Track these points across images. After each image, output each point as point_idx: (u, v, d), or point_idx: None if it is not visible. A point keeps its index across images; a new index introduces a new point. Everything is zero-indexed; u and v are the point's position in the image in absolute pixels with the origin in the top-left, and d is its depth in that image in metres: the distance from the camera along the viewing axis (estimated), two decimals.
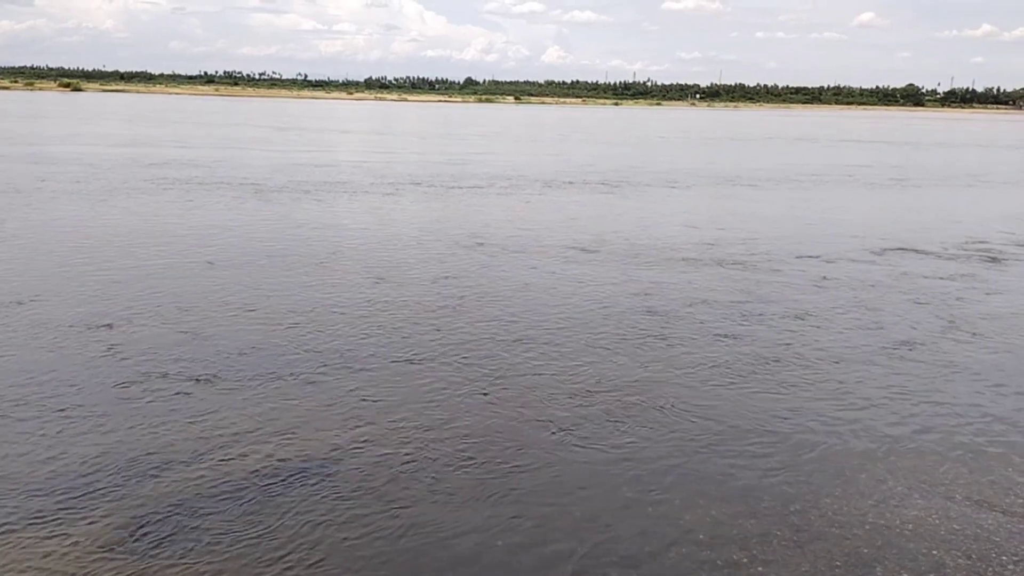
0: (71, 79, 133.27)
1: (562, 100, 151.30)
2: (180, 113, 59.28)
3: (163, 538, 3.90)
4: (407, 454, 4.84)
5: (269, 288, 8.63)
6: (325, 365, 6.32)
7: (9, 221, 12.43)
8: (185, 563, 3.73)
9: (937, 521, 4.29)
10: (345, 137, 38.93)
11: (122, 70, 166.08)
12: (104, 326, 7.11)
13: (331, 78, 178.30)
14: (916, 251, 12.00)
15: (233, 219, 13.25)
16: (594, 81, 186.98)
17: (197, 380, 5.92)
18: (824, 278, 9.95)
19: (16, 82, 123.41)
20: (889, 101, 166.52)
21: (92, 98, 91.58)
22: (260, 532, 3.99)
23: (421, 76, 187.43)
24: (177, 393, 5.69)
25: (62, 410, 5.35)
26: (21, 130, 35.28)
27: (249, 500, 4.27)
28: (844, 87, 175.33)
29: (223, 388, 5.80)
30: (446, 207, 15.58)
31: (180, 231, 12.02)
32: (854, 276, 10.14)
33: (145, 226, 12.40)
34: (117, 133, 35.10)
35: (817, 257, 11.31)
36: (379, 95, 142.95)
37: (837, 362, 6.80)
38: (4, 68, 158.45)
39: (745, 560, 3.88)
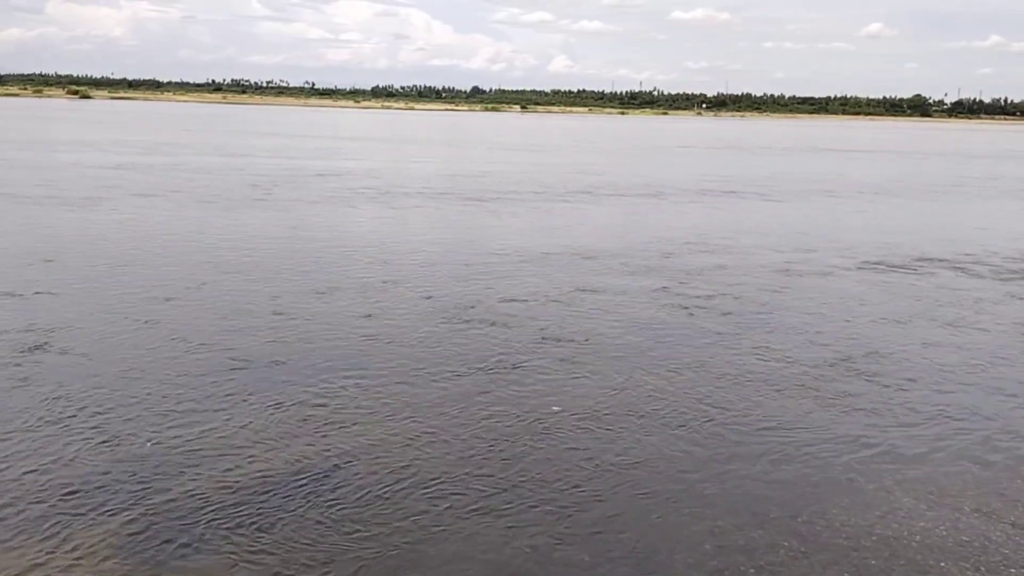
0: (79, 86, 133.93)
1: (568, 109, 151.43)
2: (214, 121, 59.97)
3: (165, 544, 3.88)
4: (413, 461, 4.82)
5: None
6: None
7: (319, 228, 13.34)
8: (187, 568, 3.71)
9: (945, 532, 4.26)
10: (426, 148, 38.83)
11: (130, 78, 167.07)
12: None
13: (338, 86, 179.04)
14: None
15: (485, 224, 14.58)
16: (600, 90, 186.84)
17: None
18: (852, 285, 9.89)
19: (25, 88, 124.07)
20: (896, 111, 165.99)
21: (106, 105, 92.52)
22: (264, 539, 3.97)
23: (428, 85, 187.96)
24: (197, 394, 5.67)
25: (70, 412, 5.32)
26: (97, 137, 35.41)
27: (253, 505, 4.25)
28: (851, 97, 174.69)
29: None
30: (628, 215, 16.70)
31: (447, 235, 13.35)
32: (873, 286, 10.07)
33: (415, 232, 13.67)
34: (197, 143, 34.51)
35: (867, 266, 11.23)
36: (386, 103, 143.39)
37: (847, 373, 6.74)
38: (14, 75, 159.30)
39: (752, 570, 3.86)
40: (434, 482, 4.58)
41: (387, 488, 4.49)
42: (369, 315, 7.96)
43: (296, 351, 6.81)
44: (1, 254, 10.43)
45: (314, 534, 4.04)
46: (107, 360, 6.45)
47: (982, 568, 3.94)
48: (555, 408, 5.73)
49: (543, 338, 7.39)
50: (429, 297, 8.76)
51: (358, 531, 4.07)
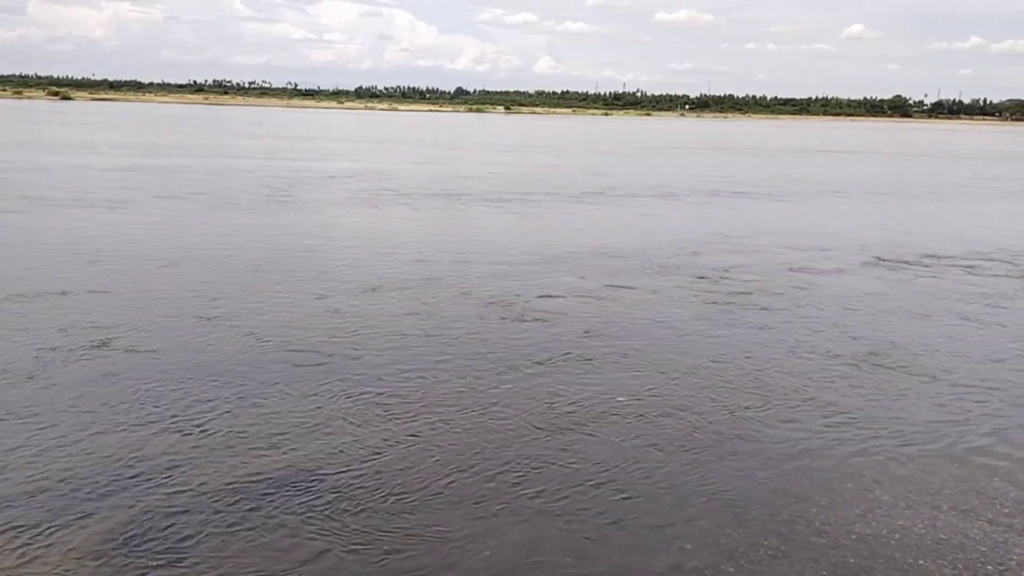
0: (60, 87, 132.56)
1: (552, 110, 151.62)
2: (204, 122, 60.13)
3: (156, 545, 3.88)
4: (400, 463, 4.83)
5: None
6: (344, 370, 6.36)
7: (350, 229, 13.88)
8: (178, 570, 3.71)
9: (923, 531, 4.29)
10: (426, 150, 38.48)
11: (112, 79, 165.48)
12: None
13: (322, 87, 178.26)
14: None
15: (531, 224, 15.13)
16: (584, 91, 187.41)
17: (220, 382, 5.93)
18: (805, 287, 10.01)
19: (5, 90, 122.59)
20: (876, 112, 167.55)
21: (89, 106, 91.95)
22: (255, 540, 3.97)
23: (412, 85, 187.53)
24: (178, 397, 5.67)
25: (58, 411, 5.31)
26: (94, 139, 35.04)
27: (246, 507, 4.25)
28: (832, 98, 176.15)
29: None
30: (646, 215, 16.98)
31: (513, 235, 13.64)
32: (848, 287, 10.16)
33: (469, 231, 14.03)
34: (195, 145, 34.40)
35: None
36: (369, 104, 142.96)
37: (824, 373, 6.80)
38: None
39: (732, 570, 3.89)
40: (416, 484, 4.60)
41: (370, 493, 4.50)
42: (415, 312, 8.13)
43: (349, 346, 6.98)
44: (44, 256, 10.48)
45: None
46: (170, 356, 6.60)
47: (959, 566, 3.98)
48: (620, 399, 5.78)
49: (586, 332, 7.63)
50: (468, 294, 8.93)
51: (342, 533, 4.08)
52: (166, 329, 7.31)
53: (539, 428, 5.43)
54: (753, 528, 4.24)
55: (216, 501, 4.34)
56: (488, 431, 5.36)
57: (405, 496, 4.47)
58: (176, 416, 5.42)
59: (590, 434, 5.36)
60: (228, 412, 5.52)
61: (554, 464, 4.91)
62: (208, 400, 5.70)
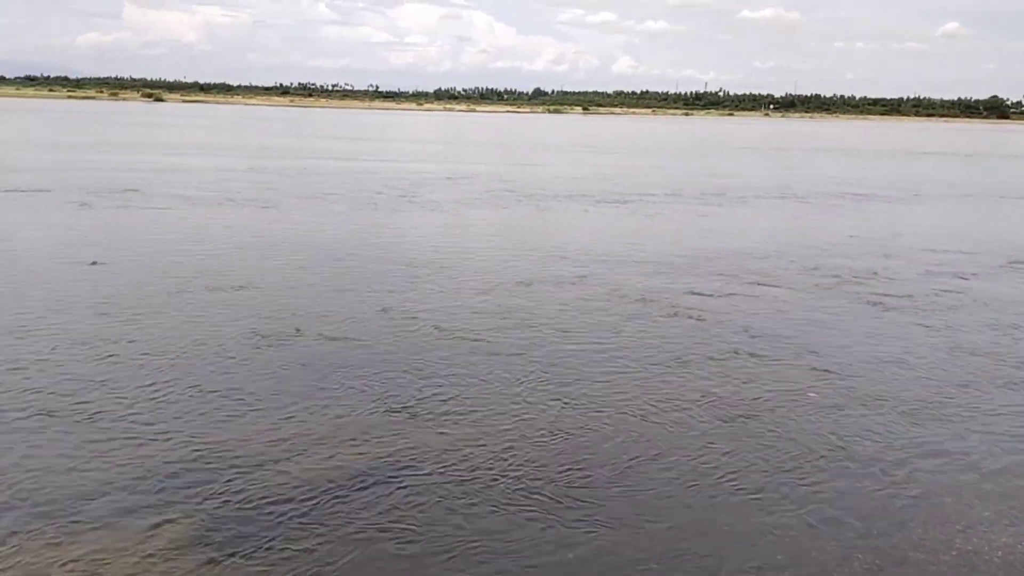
0: (153, 89, 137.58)
1: (631, 110, 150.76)
2: (299, 124, 61.57)
3: (229, 541, 3.99)
4: (474, 464, 4.87)
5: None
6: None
7: (491, 228, 14.32)
8: (252, 565, 3.80)
9: None
10: (527, 152, 38.39)
11: (202, 81, 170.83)
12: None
13: (401, 89, 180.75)
14: None
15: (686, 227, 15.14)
16: (664, 91, 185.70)
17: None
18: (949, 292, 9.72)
19: (102, 92, 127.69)
20: (972, 113, 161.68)
21: (182, 108, 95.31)
22: (324, 538, 4.06)
23: (490, 87, 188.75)
24: (249, 396, 5.85)
25: (133, 412, 5.50)
26: (206, 141, 36.21)
27: (317, 504, 4.35)
28: (924, 98, 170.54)
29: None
30: (778, 217, 17.26)
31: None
32: (971, 294, 9.82)
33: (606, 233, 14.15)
34: (303, 147, 35.02)
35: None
36: (447, 105, 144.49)
37: (925, 385, 6.60)
38: (90, 78, 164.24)
39: None
40: (493, 486, 4.62)
41: (448, 492, 4.54)
42: (574, 308, 8.45)
43: (519, 338, 7.34)
44: (220, 251, 11.08)
45: (372, 536, 4.17)
46: (359, 344, 7.02)
47: None
48: (763, 397, 5.75)
49: (745, 330, 7.73)
50: (620, 291, 9.23)
51: (412, 534, 4.13)
52: (352, 319, 7.79)
53: (617, 438, 5.41)
54: (848, 541, 4.14)
55: (420, 473, 4.70)
56: (566, 437, 5.36)
57: (577, 478, 4.66)
58: (375, 399, 5.80)
59: (674, 443, 5.32)
60: (426, 395, 5.91)
61: (637, 472, 4.87)
62: (406, 384, 6.09)
